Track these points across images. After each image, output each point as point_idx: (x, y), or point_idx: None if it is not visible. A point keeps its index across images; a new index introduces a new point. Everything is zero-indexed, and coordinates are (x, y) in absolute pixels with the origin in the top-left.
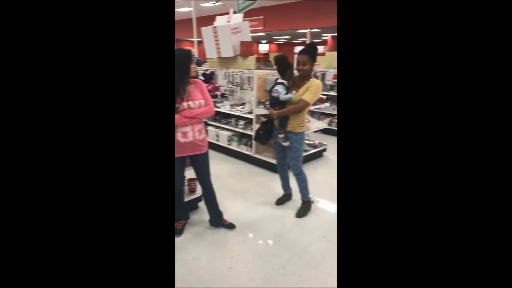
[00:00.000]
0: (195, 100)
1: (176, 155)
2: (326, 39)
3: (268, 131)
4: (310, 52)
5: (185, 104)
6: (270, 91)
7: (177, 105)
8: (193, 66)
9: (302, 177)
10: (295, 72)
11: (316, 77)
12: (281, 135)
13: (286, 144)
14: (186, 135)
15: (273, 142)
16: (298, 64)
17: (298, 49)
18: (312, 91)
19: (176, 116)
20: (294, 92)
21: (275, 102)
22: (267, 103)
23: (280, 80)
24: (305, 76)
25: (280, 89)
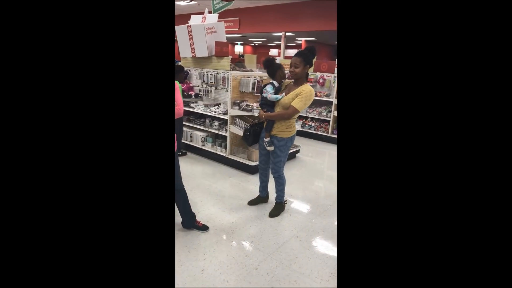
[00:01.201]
0: None
1: None
2: (300, 43)
3: (255, 133)
4: (305, 55)
5: None
6: (261, 92)
7: None
8: None
9: (281, 181)
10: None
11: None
12: (267, 139)
13: (270, 148)
14: None
15: (258, 144)
16: (290, 65)
17: (272, 52)
18: (302, 97)
19: None
20: (283, 94)
21: (265, 103)
22: (243, 104)
23: (271, 81)
24: (298, 80)
25: (268, 88)
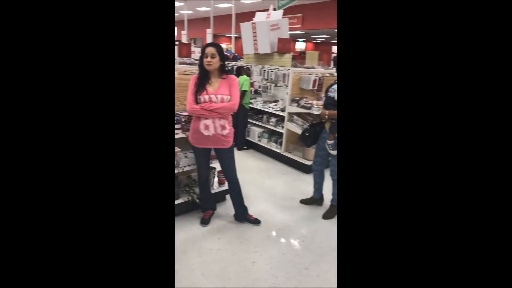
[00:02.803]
0: (219, 95)
1: (199, 146)
2: None
3: (315, 134)
4: None
5: (206, 96)
6: (327, 91)
7: (199, 96)
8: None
9: None
10: None
11: None
12: (330, 141)
13: (333, 152)
14: (208, 128)
15: (316, 144)
16: None
17: (334, 49)
18: None
19: (196, 106)
20: None
21: (330, 103)
22: (302, 101)
23: None
24: None
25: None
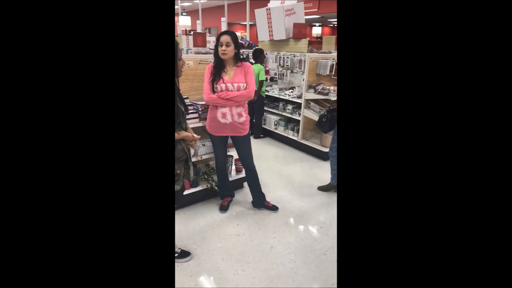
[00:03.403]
0: (235, 83)
1: (216, 134)
2: None
3: (332, 119)
4: None
5: (223, 85)
6: None
7: (215, 85)
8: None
9: None
10: None
11: None
12: None
13: None
14: (225, 116)
15: (334, 131)
16: None
17: None
18: None
19: (213, 95)
20: None
21: None
22: (319, 87)
23: None
24: None
25: None
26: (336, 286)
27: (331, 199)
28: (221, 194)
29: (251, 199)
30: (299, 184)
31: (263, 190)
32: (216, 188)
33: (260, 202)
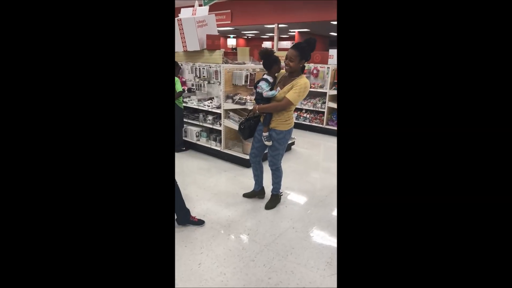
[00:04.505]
0: None
1: None
2: (294, 35)
3: (250, 127)
4: (302, 48)
5: None
6: (255, 87)
7: None
8: None
9: (278, 173)
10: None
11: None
12: (265, 134)
13: (268, 143)
14: None
15: (254, 136)
16: (285, 58)
17: (266, 44)
18: (297, 89)
19: None
20: (278, 89)
21: (260, 98)
22: (236, 97)
23: (265, 76)
24: (293, 72)
25: (263, 85)
26: None
27: (257, 205)
28: None
29: (175, 217)
30: (224, 193)
31: (188, 205)
32: None
33: (185, 218)
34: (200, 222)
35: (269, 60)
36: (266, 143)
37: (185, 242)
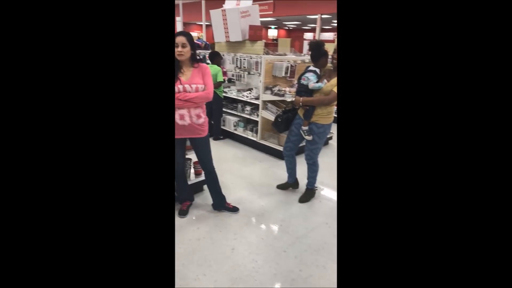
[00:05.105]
0: (193, 84)
1: (175, 136)
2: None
3: (287, 120)
4: None
5: (180, 86)
6: (299, 78)
7: None
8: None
9: (314, 168)
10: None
11: None
12: (305, 127)
13: (309, 138)
14: (183, 117)
15: (290, 130)
16: (333, 52)
17: (307, 35)
18: None
19: None
20: (325, 81)
21: (303, 91)
22: (275, 88)
23: (312, 68)
24: None
25: (311, 76)
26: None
27: (290, 197)
28: (180, 198)
29: (212, 202)
30: (259, 183)
31: (224, 192)
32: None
33: (220, 204)
34: (235, 209)
35: (319, 51)
36: (306, 137)
37: (219, 227)
